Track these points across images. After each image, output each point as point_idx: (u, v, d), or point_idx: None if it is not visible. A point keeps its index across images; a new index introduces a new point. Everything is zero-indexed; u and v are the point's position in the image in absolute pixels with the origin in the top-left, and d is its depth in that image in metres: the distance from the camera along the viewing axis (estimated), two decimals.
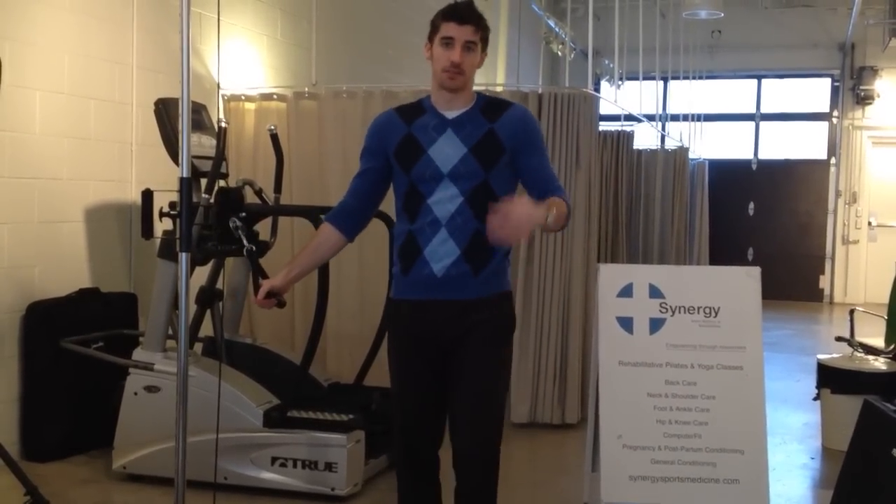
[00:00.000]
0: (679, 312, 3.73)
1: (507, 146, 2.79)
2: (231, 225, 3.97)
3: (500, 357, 2.87)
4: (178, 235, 3.14)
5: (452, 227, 2.75)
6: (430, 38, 2.84)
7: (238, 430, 4.09)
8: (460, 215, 2.75)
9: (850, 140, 12.54)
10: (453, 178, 2.76)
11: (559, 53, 10.73)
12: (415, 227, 2.79)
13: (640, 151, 8.38)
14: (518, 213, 2.53)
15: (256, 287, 2.95)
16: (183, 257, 3.10)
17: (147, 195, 4.24)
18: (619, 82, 10.16)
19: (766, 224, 12.71)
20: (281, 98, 6.00)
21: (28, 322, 4.61)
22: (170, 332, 4.42)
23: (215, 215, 4.07)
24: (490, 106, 2.86)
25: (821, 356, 5.51)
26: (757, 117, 13.09)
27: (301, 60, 6.71)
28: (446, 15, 2.80)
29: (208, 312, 4.63)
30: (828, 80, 12.78)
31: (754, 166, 12.93)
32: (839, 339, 5.90)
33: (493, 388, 2.84)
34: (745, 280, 3.78)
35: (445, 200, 2.76)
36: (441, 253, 2.76)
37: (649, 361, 3.71)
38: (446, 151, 2.77)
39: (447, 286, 2.78)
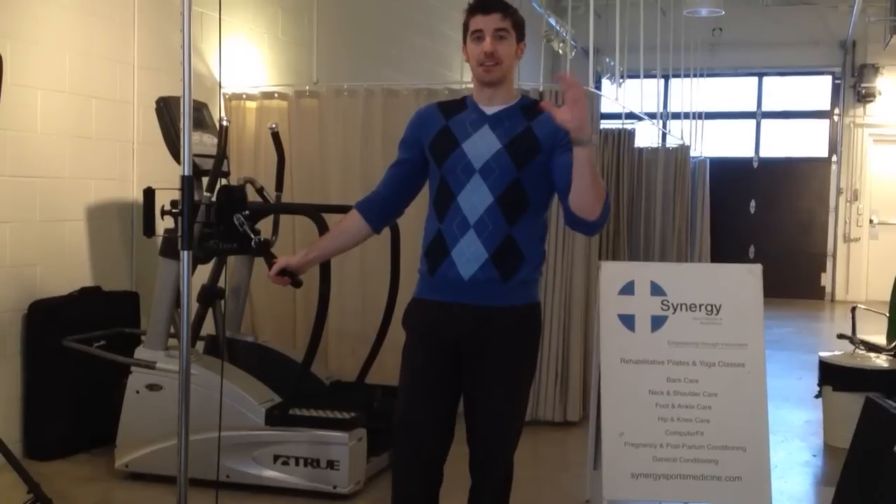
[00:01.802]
0: (681, 310, 3.73)
1: (543, 145, 2.69)
2: (236, 221, 3.96)
3: (524, 370, 2.80)
4: (179, 234, 3.14)
5: (481, 229, 2.67)
6: (465, 39, 2.75)
7: (240, 428, 4.09)
8: (489, 217, 2.67)
9: (851, 138, 12.53)
10: (484, 175, 2.67)
11: (560, 51, 10.71)
12: (444, 227, 2.72)
13: (641, 149, 8.38)
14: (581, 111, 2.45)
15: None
16: (185, 255, 3.09)
17: (149, 193, 4.23)
18: (620, 80, 10.16)
19: (768, 222, 12.70)
20: (282, 96, 6.00)
21: (30, 321, 4.61)
22: (171, 330, 4.42)
23: (217, 213, 4.07)
24: (533, 105, 2.76)
25: (822, 353, 5.50)
26: (758, 115, 13.08)
27: (302, 59, 6.71)
28: (472, 9, 2.73)
29: (210, 311, 4.63)
30: (829, 78, 12.77)
31: (755, 164, 12.92)
32: (841, 336, 5.90)
33: (516, 401, 2.78)
34: (746, 277, 3.78)
35: (475, 199, 2.67)
36: (468, 255, 2.68)
37: (651, 359, 3.71)
38: (480, 146, 2.70)
39: (474, 290, 2.69)
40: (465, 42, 2.76)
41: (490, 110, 2.75)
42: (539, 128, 2.71)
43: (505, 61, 2.71)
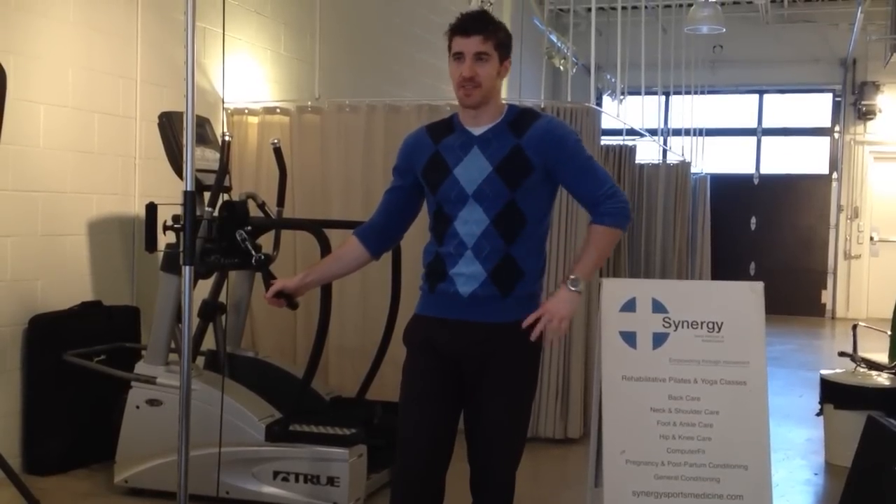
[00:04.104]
0: (682, 327, 3.72)
1: (535, 164, 2.67)
2: (238, 237, 3.97)
3: (526, 386, 2.80)
4: (181, 249, 3.14)
5: (479, 250, 2.67)
6: (448, 56, 2.72)
7: (240, 443, 4.08)
8: (486, 239, 2.67)
9: (851, 155, 12.56)
10: (478, 199, 2.67)
11: (561, 68, 10.76)
12: (442, 250, 2.73)
13: (642, 166, 8.39)
14: (550, 309, 2.61)
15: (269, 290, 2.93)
16: (186, 270, 3.10)
17: (151, 208, 4.25)
18: (621, 97, 10.20)
19: (768, 239, 12.71)
20: (284, 112, 6.02)
21: (30, 335, 4.60)
22: (172, 345, 4.42)
23: (219, 228, 4.08)
24: (519, 119, 2.73)
25: (824, 371, 5.50)
26: (758, 132, 13.11)
27: (304, 74, 6.73)
28: (453, 29, 2.69)
29: (211, 326, 4.63)
30: (829, 96, 12.81)
31: (756, 181, 12.95)
32: (842, 354, 5.89)
33: (518, 417, 2.78)
34: (748, 295, 3.77)
35: (471, 222, 2.67)
36: (467, 275, 2.68)
37: (652, 376, 3.70)
38: (471, 170, 2.68)
39: (474, 307, 2.69)
40: (449, 58, 2.73)
41: (477, 131, 2.73)
42: (529, 146, 2.68)
43: (485, 84, 2.67)
